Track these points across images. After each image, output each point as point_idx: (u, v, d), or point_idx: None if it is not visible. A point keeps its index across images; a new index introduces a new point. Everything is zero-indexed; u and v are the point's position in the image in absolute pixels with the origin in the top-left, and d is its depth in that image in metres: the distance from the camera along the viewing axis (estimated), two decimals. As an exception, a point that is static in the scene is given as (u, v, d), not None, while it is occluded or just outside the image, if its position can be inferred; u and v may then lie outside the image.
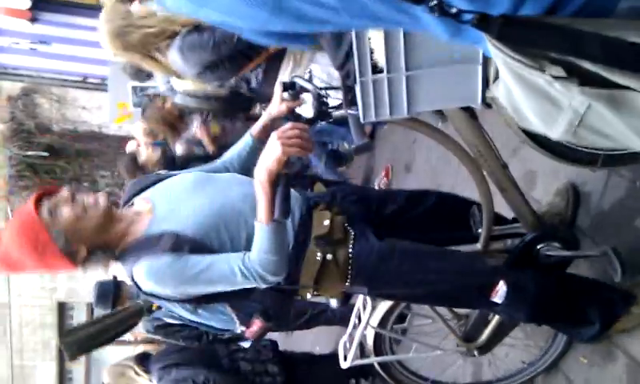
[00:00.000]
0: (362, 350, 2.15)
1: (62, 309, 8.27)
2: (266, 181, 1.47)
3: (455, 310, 2.20)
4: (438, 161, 3.64)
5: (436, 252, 1.80)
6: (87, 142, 7.65)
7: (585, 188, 2.22)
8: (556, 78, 0.92)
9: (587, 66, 0.90)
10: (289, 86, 1.75)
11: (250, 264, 1.54)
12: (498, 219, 1.94)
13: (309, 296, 1.77)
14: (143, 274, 1.59)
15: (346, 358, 2.07)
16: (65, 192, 1.66)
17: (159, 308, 2.66)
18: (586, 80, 0.92)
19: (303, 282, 1.71)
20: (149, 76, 4.89)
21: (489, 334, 2.12)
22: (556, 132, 1.01)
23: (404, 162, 4.27)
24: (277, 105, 1.79)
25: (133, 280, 1.65)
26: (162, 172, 1.96)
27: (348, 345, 2.09)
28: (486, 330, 2.12)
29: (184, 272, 1.57)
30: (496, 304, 1.73)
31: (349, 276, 1.71)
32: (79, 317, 8.45)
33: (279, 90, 1.77)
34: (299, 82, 1.73)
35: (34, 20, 7.19)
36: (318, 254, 1.68)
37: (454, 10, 0.90)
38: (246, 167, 1.86)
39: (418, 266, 1.74)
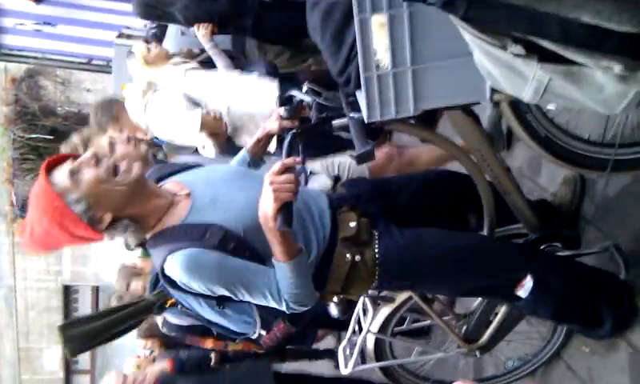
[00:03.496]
0: (363, 355, 2.12)
1: (67, 292, 8.32)
2: (269, 227, 1.42)
3: (455, 310, 2.18)
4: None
5: (466, 242, 1.76)
6: (91, 125, 7.60)
7: (589, 174, 2.16)
8: (517, 55, 1.00)
9: (546, 44, 0.97)
10: (285, 101, 1.72)
11: (281, 294, 1.51)
12: (499, 219, 1.90)
13: (335, 299, 1.75)
14: (180, 265, 1.47)
15: (347, 365, 2.04)
16: (88, 154, 1.54)
17: (173, 305, 2.57)
18: (545, 56, 0.99)
19: (331, 283, 1.66)
20: None
21: (490, 334, 2.12)
22: (525, 97, 1.07)
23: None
24: (273, 122, 1.79)
25: (161, 269, 1.52)
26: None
27: (349, 351, 2.06)
28: (487, 330, 2.11)
29: (226, 272, 1.49)
30: (519, 298, 1.69)
31: (376, 276, 1.66)
32: (84, 300, 8.51)
33: (276, 106, 1.75)
34: (296, 95, 1.69)
35: (39, 1, 7.09)
36: (347, 254, 1.64)
37: None
38: None
39: (445, 258, 1.70)
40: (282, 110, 1.77)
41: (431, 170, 2.38)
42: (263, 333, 1.75)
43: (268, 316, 2.04)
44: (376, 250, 1.65)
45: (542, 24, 0.95)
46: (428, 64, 1.28)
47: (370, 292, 1.81)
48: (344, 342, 2.13)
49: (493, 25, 1.00)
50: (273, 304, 1.53)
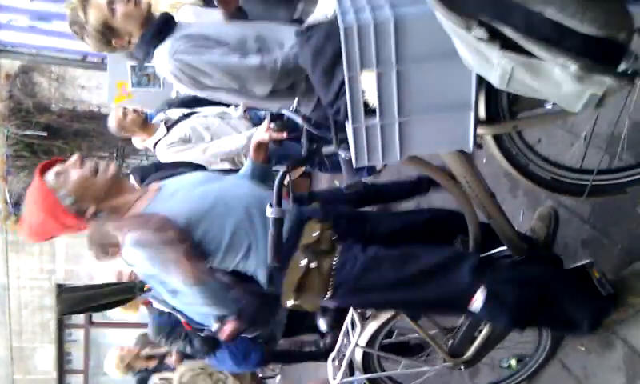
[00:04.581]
0: (351, 367, 2.17)
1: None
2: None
3: (441, 323, 2.22)
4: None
5: (417, 263, 1.78)
6: (86, 122, 7.60)
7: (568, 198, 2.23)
8: (480, 39, 1.00)
9: (508, 32, 0.98)
10: (276, 117, 1.78)
11: None
12: (484, 240, 1.94)
13: (288, 303, 1.79)
14: (130, 246, 1.71)
15: (335, 376, 2.09)
16: (74, 157, 1.83)
17: (150, 289, 2.67)
18: (508, 44, 0.99)
19: (285, 287, 1.74)
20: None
21: (475, 349, 2.16)
22: (494, 82, 1.08)
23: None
24: (262, 132, 1.92)
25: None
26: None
27: (337, 362, 2.11)
28: (472, 345, 2.15)
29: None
30: (474, 313, 1.74)
31: (330, 287, 1.73)
32: (77, 298, 8.49)
33: (267, 120, 1.86)
34: (287, 114, 1.75)
35: (33, -4, 7.07)
36: (303, 261, 1.72)
37: None
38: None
39: (398, 279, 1.74)
40: (272, 124, 1.88)
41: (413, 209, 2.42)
42: (218, 325, 1.83)
43: None
44: (334, 262, 1.73)
45: (507, 11, 0.97)
46: (414, 117, 1.33)
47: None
48: (333, 354, 2.19)
49: (461, 6, 1.01)
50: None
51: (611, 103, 1.63)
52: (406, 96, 1.31)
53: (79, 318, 8.50)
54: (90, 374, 8.53)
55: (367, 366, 2.20)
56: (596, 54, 0.97)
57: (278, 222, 1.52)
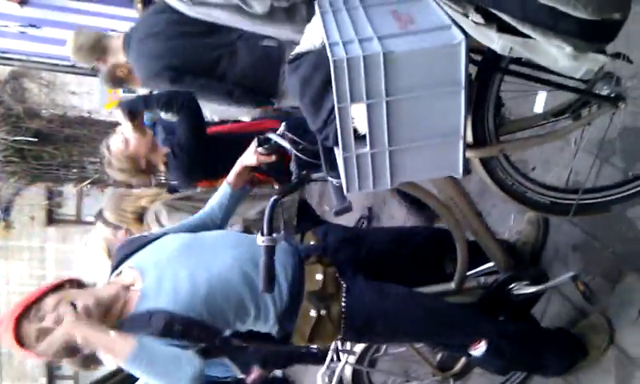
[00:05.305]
0: (340, 383, 2.19)
1: (51, 297, 8.24)
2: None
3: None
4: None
5: (428, 305, 1.85)
6: (76, 128, 7.57)
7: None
8: (477, 23, 1.07)
9: (505, 18, 1.05)
10: (263, 142, 1.78)
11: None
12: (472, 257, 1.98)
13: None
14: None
15: (324, 392, 2.11)
16: (51, 317, 1.57)
17: None
18: (504, 27, 1.07)
19: (296, 338, 1.72)
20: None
21: (464, 362, 2.19)
22: (497, 49, 1.14)
23: (380, 200, 4.29)
24: (250, 155, 1.86)
25: None
26: (147, 234, 1.94)
27: (327, 379, 2.13)
28: (461, 358, 2.18)
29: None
30: (472, 356, 1.84)
31: (341, 329, 1.73)
32: (67, 305, 8.42)
33: (254, 143, 1.83)
34: (274, 138, 1.75)
35: (23, 3, 7.01)
36: (312, 310, 1.70)
37: None
38: (229, 215, 1.94)
39: (407, 320, 1.80)
40: (260, 149, 1.86)
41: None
42: (242, 376, 1.84)
43: (240, 362, 2.16)
44: (342, 304, 1.72)
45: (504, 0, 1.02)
46: (404, 145, 1.34)
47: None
48: (323, 369, 2.20)
49: None
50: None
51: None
52: (396, 125, 1.32)
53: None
54: (81, 381, 8.47)
55: (357, 382, 2.22)
56: (590, 35, 1.02)
57: (270, 250, 1.48)
